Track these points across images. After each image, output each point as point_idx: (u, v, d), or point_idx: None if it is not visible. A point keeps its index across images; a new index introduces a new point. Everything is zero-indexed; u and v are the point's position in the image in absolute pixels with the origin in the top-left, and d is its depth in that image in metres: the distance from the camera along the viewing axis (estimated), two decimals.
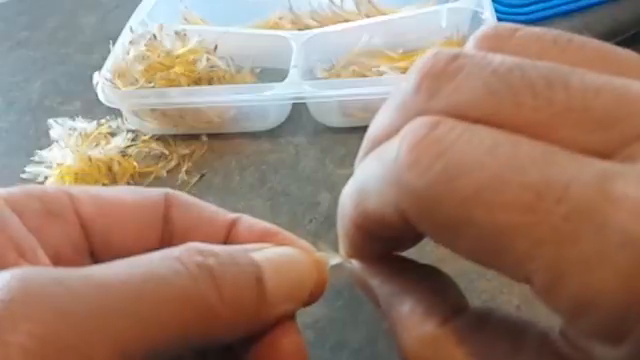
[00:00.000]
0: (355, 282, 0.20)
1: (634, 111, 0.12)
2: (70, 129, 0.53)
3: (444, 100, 0.14)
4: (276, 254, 0.19)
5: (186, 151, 0.52)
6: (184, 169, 0.51)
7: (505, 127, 0.13)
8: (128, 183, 0.50)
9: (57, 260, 0.17)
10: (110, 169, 0.50)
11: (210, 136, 0.54)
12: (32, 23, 0.77)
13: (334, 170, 0.49)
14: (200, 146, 0.53)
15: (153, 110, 0.52)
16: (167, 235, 0.20)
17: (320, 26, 0.58)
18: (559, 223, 0.12)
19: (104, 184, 0.49)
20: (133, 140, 0.53)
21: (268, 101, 0.50)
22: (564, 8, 0.86)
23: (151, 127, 0.53)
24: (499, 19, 0.53)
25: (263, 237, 0.20)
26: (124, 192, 0.20)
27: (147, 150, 0.52)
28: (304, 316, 0.38)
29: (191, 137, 0.54)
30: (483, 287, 0.37)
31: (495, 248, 0.12)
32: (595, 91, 0.13)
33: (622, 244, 0.11)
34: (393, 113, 0.16)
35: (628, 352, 0.12)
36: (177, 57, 0.52)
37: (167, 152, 0.52)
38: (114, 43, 0.55)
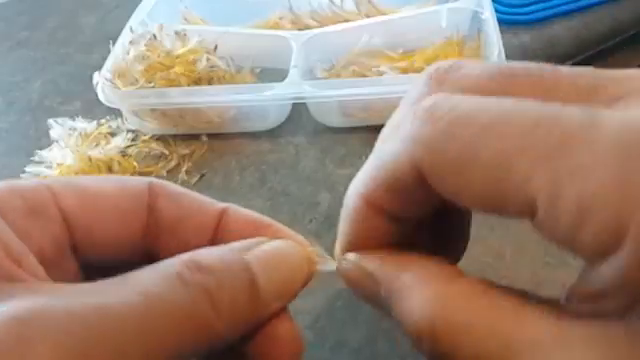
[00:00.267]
0: (348, 281, 0.20)
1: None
2: (70, 129, 0.53)
3: (450, 86, 0.17)
4: (269, 252, 0.19)
5: (186, 151, 0.52)
6: (184, 169, 0.51)
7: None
8: None
9: (41, 259, 0.17)
10: (110, 169, 0.50)
11: (210, 136, 0.54)
12: (32, 23, 0.77)
13: (334, 170, 0.49)
14: (200, 146, 0.53)
15: (153, 110, 0.52)
16: (152, 225, 0.19)
17: (320, 26, 0.58)
18: (554, 141, 0.13)
19: None
20: (133, 140, 0.53)
21: (268, 101, 0.50)
22: (564, 8, 0.86)
23: (151, 127, 0.53)
24: (499, 19, 0.53)
25: (254, 229, 0.20)
26: (106, 182, 0.19)
27: (147, 150, 0.52)
28: (304, 316, 0.38)
29: (191, 137, 0.54)
30: None
31: (499, 176, 0.14)
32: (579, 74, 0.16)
33: (613, 150, 0.13)
34: (406, 107, 0.18)
35: (628, 254, 0.12)
36: (177, 57, 0.52)
37: (167, 152, 0.52)
38: (114, 43, 0.55)
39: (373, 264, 0.18)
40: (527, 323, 0.14)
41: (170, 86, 0.51)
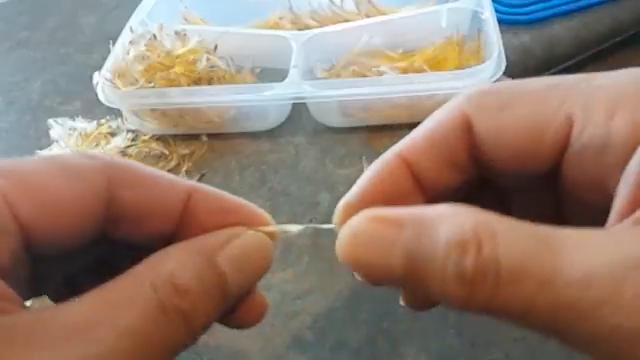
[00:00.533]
0: (355, 240, 0.17)
1: None
2: (70, 129, 0.53)
3: None
4: (239, 250, 0.19)
5: (186, 151, 0.52)
6: (184, 169, 0.51)
7: None
8: None
9: (1, 274, 0.16)
10: None
11: (210, 136, 0.54)
12: (32, 23, 0.77)
13: (334, 170, 0.49)
14: (200, 146, 0.53)
15: (153, 110, 0.52)
16: (114, 215, 0.19)
17: (320, 26, 0.58)
18: (581, 77, 0.17)
19: None
20: (133, 140, 0.53)
21: (268, 101, 0.50)
22: (564, 8, 0.86)
23: (151, 127, 0.53)
24: (499, 19, 0.53)
25: (221, 213, 0.20)
26: (60, 180, 0.18)
27: (147, 150, 0.52)
28: (304, 316, 0.38)
29: (191, 137, 0.54)
30: None
31: (539, 103, 0.17)
32: None
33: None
34: None
35: None
36: (177, 57, 0.52)
37: (167, 152, 0.52)
38: (114, 43, 0.55)
39: (393, 209, 0.16)
40: (570, 229, 0.15)
41: (170, 86, 0.51)
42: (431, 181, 0.19)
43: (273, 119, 0.54)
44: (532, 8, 1.03)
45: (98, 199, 0.18)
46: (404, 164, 0.19)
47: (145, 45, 0.52)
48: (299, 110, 0.54)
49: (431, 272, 0.15)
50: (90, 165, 0.18)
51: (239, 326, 0.20)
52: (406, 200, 0.18)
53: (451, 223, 0.15)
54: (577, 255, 0.14)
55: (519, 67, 1.05)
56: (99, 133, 0.53)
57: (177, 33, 0.54)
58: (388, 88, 0.48)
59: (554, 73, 1.07)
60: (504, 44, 0.49)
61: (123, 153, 0.51)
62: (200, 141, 0.53)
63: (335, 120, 0.53)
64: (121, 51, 0.53)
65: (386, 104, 0.50)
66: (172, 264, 0.17)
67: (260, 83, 0.55)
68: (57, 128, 0.53)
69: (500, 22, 0.53)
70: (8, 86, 0.65)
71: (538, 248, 0.14)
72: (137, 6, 0.61)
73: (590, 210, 0.17)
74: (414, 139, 0.19)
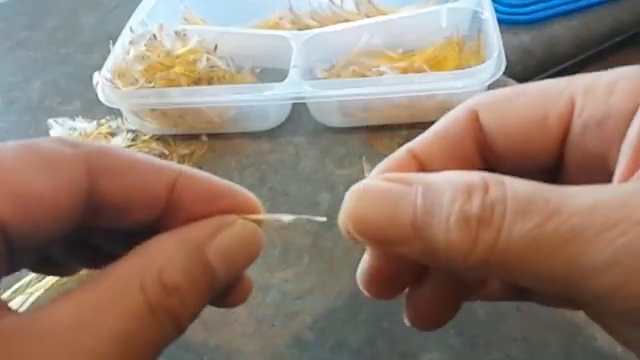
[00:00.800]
0: (349, 205, 0.17)
1: None
2: (70, 129, 0.53)
3: None
4: (227, 242, 0.18)
5: (186, 151, 0.52)
6: None
7: None
8: None
9: None
10: None
11: (210, 136, 0.54)
12: (32, 23, 0.77)
13: (334, 170, 0.49)
14: (200, 146, 0.53)
15: (153, 110, 0.52)
16: (95, 204, 0.18)
17: (320, 26, 0.58)
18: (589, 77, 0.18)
19: None
20: (133, 140, 0.53)
21: (268, 101, 0.50)
22: (564, 8, 0.86)
23: (151, 127, 0.53)
24: (499, 19, 0.53)
25: (209, 199, 0.19)
26: (36, 172, 0.17)
27: (147, 150, 0.52)
28: (304, 316, 0.38)
29: (191, 137, 0.54)
30: None
31: (545, 90, 0.19)
32: None
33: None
34: None
35: None
36: (177, 57, 0.52)
37: (167, 152, 0.52)
38: (114, 43, 0.55)
39: (401, 173, 0.17)
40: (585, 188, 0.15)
41: (170, 86, 0.51)
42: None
43: (273, 119, 0.54)
44: (532, 8, 1.03)
45: (77, 190, 0.17)
46: (414, 160, 0.19)
47: (145, 45, 0.52)
48: (299, 110, 0.54)
49: (437, 220, 0.15)
50: (69, 154, 0.17)
51: (224, 306, 0.20)
52: None
53: (459, 177, 0.15)
54: (582, 192, 0.14)
55: (519, 67, 1.05)
56: (99, 133, 0.53)
57: (177, 33, 0.54)
58: (388, 88, 0.48)
59: (554, 73, 1.07)
60: (504, 44, 0.49)
61: None
62: (200, 141, 0.53)
63: (335, 120, 0.53)
64: (121, 51, 0.53)
65: (386, 104, 0.50)
66: (160, 259, 0.17)
67: (260, 83, 0.55)
68: (57, 128, 0.53)
69: (500, 22, 0.53)
70: (8, 86, 0.65)
71: (543, 189, 0.15)
72: (137, 6, 0.61)
73: None
74: (424, 136, 0.20)
